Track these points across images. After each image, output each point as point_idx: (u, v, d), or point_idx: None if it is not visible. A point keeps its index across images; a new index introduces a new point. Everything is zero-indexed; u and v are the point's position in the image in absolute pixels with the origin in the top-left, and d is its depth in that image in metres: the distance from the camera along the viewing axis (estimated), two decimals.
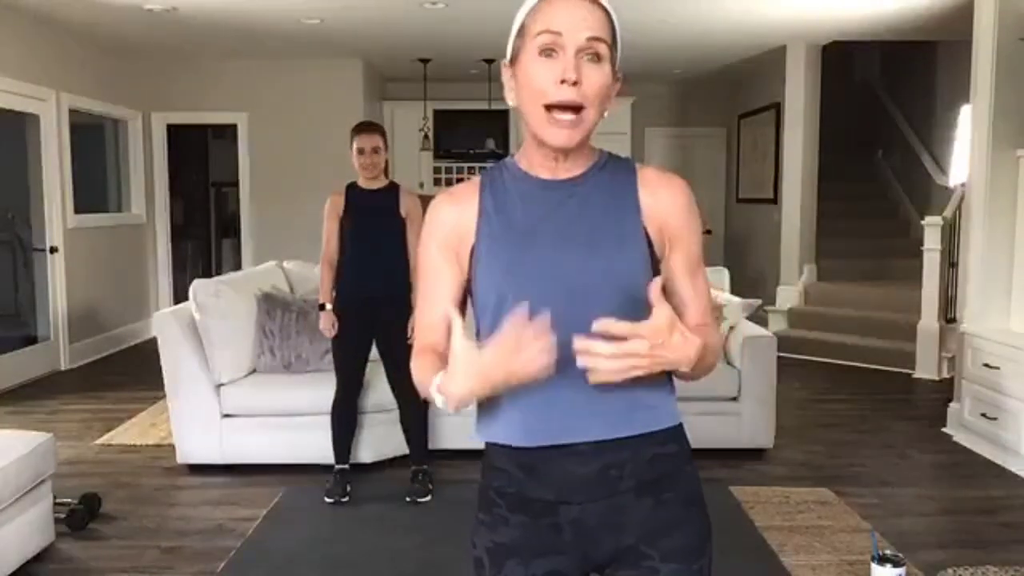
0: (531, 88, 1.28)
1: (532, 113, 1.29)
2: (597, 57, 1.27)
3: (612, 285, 1.27)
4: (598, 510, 1.33)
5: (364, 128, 3.92)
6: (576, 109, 1.26)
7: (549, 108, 1.27)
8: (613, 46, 1.30)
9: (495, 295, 1.32)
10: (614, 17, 1.30)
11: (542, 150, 1.33)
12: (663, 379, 1.34)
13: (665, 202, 1.34)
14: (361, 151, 3.83)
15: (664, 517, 1.35)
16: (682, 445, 1.39)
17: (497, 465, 1.38)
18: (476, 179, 1.42)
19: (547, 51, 1.26)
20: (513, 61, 1.33)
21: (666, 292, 1.28)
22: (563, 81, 1.24)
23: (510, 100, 1.35)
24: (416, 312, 1.43)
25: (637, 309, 1.21)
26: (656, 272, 1.33)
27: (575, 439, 1.31)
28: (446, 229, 1.37)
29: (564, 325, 1.20)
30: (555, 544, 1.35)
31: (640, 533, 1.34)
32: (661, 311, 1.18)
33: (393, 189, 3.95)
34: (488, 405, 1.34)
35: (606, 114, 1.31)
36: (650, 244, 1.33)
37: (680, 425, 1.40)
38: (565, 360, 1.20)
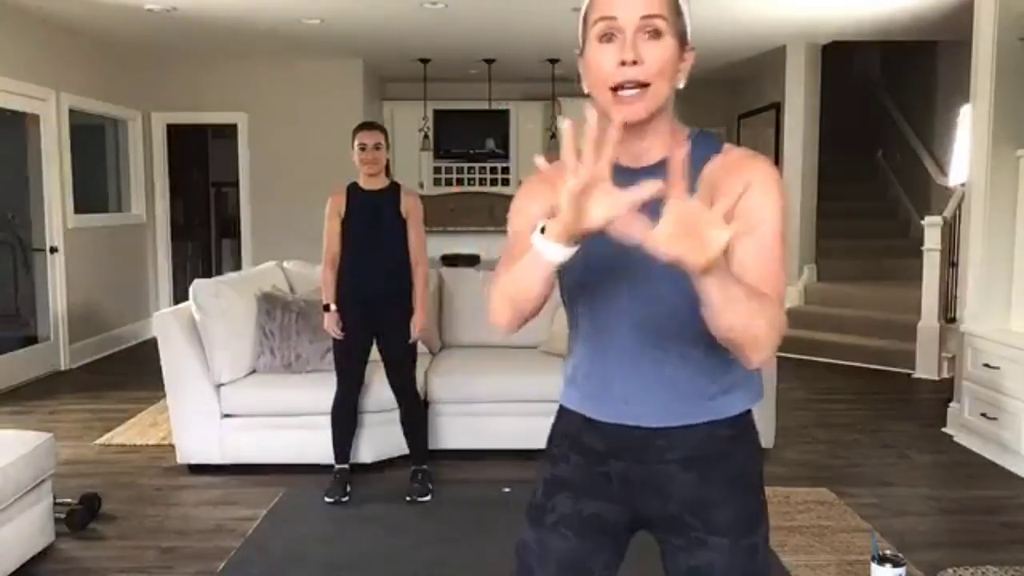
0: (597, 74, 1.30)
1: (602, 98, 1.31)
2: (657, 33, 1.28)
3: (678, 271, 1.17)
4: (642, 472, 1.39)
5: (366, 126, 3.94)
6: (642, 86, 1.28)
7: (614, 90, 1.28)
8: (676, 18, 1.31)
9: (578, 275, 1.36)
10: None
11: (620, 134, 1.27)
12: (730, 371, 1.37)
13: (744, 181, 1.22)
14: (363, 147, 3.84)
15: (708, 493, 1.38)
16: (740, 430, 1.41)
17: (566, 411, 1.48)
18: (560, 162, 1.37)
19: (606, 36, 1.29)
20: (582, 52, 1.35)
21: (732, 262, 1.24)
22: (623, 62, 1.27)
23: (585, 88, 1.35)
24: (500, 266, 1.41)
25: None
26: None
27: (630, 421, 1.38)
28: (537, 209, 1.36)
29: (642, 307, 1.32)
30: (604, 491, 1.43)
31: (683, 504, 1.39)
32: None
33: (394, 189, 3.95)
34: (567, 371, 1.47)
35: (681, 85, 1.33)
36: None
37: (745, 413, 1.42)
38: (644, 343, 1.33)
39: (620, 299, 1.35)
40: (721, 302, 1.17)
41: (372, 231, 3.88)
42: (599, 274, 1.35)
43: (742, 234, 1.14)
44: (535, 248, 1.21)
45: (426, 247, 3.98)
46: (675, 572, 1.42)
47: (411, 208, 3.91)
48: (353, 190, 3.94)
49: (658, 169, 1.26)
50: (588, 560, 1.44)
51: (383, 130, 3.95)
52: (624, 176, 1.21)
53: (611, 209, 1.12)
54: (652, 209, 1.11)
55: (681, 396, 1.36)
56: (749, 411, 1.42)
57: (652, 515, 1.42)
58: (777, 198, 1.32)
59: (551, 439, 1.51)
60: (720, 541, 1.37)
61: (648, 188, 1.09)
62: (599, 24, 1.29)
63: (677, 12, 1.32)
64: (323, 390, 4.14)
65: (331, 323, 3.90)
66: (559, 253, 1.19)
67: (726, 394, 1.38)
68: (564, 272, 1.32)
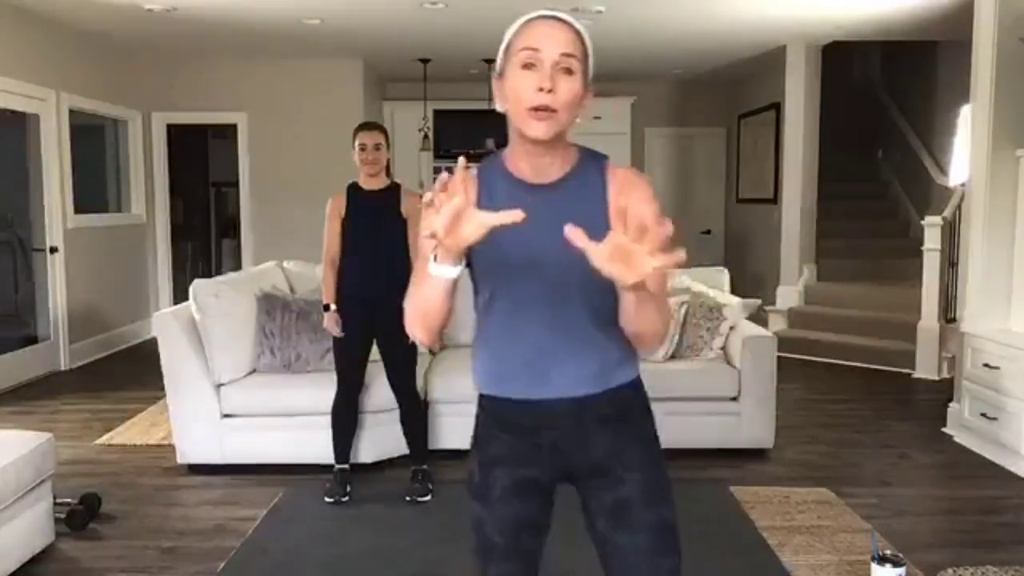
0: (516, 95, 1.54)
1: (516, 114, 1.55)
2: (569, 71, 1.53)
3: (580, 268, 1.42)
4: (568, 435, 1.67)
5: (367, 126, 3.94)
6: (552, 111, 1.52)
7: (529, 110, 1.53)
8: (584, 61, 1.55)
9: (492, 277, 1.64)
10: (585, 37, 1.56)
11: (525, 146, 1.59)
12: (624, 346, 1.64)
13: (627, 195, 1.57)
14: (363, 147, 3.85)
15: (622, 440, 1.69)
16: (638, 392, 1.73)
17: (489, 396, 1.71)
18: (472, 172, 1.59)
19: (528, 64, 1.52)
20: (501, 75, 1.59)
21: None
22: (540, 89, 1.51)
23: (499, 108, 1.60)
24: (414, 273, 1.63)
25: (605, 291, 1.47)
26: None
27: (556, 395, 1.64)
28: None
29: (551, 302, 1.60)
30: (535, 459, 1.69)
31: (604, 452, 1.68)
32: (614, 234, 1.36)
33: (394, 189, 3.95)
34: (481, 361, 1.70)
35: (578, 120, 1.58)
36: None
37: (637, 378, 1.73)
38: (556, 331, 1.61)
39: (534, 289, 1.61)
40: (636, 313, 1.47)
41: (372, 231, 3.89)
42: (528, 276, 1.60)
43: (664, 263, 1.34)
44: (432, 273, 1.48)
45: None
46: (600, 510, 1.69)
47: (412, 208, 3.91)
48: (353, 190, 3.94)
49: (555, 187, 1.60)
50: (532, 516, 1.72)
51: (384, 130, 3.95)
52: (527, 190, 1.59)
53: (478, 228, 1.39)
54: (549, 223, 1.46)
55: (593, 371, 1.64)
56: (638, 375, 1.73)
57: (579, 467, 1.70)
58: (654, 206, 1.57)
59: (479, 425, 1.75)
60: (634, 475, 1.67)
61: (508, 216, 1.38)
62: (523, 52, 1.52)
63: (586, 57, 1.56)
64: (323, 390, 4.14)
65: (331, 323, 3.90)
66: (452, 271, 1.47)
67: (621, 365, 1.68)
68: (475, 259, 1.61)
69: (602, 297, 1.54)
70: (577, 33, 1.55)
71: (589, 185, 1.61)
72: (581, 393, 1.64)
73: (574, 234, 1.35)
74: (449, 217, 1.38)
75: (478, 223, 1.40)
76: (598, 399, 1.65)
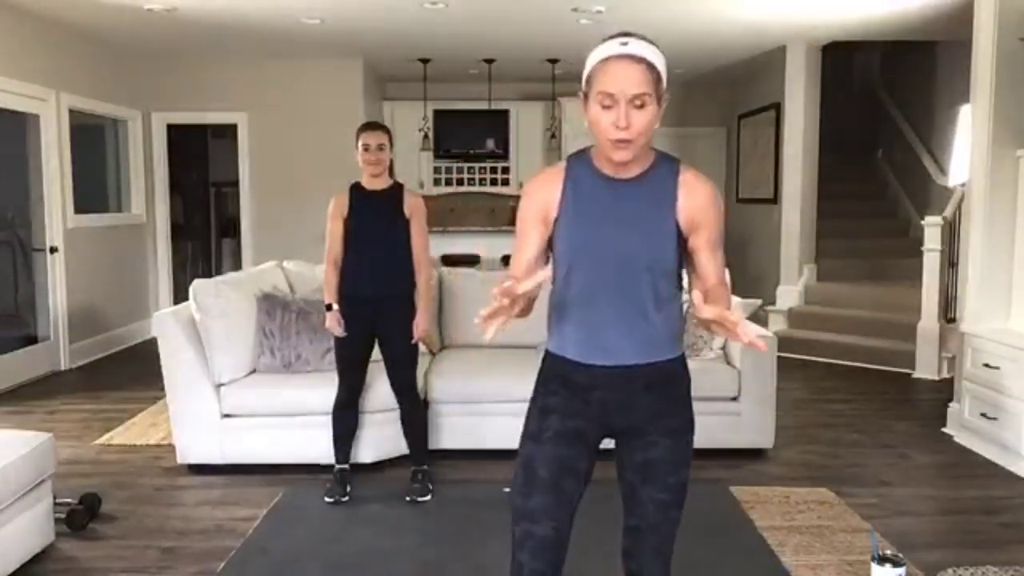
0: (598, 127, 1.82)
1: (600, 140, 1.84)
2: (642, 105, 1.78)
3: (647, 256, 1.87)
4: (616, 397, 1.95)
5: (370, 126, 3.94)
6: (628, 142, 1.80)
7: (609, 141, 1.81)
8: (657, 87, 1.80)
9: (571, 255, 1.92)
10: (658, 64, 1.80)
11: (608, 160, 1.88)
12: (675, 328, 1.98)
13: (693, 199, 1.89)
14: (367, 147, 3.84)
15: (662, 407, 1.97)
16: (680, 365, 2.01)
17: (553, 354, 2.01)
18: (562, 164, 1.96)
19: (606, 105, 1.79)
20: (585, 98, 1.85)
21: (692, 261, 1.94)
22: (616, 126, 1.78)
23: (587, 125, 1.86)
24: (513, 257, 2.00)
25: (665, 278, 1.89)
26: (682, 248, 1.92)
27: (612, 362, 1.93)
28: (540, 200, 1.95)
29: (617, 280, 1.88)
30: (584, 413, 1.97)
31: (645, 416, 1.96)
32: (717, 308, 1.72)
33: (397, 189, 3.95)
34: (553, 323, 2.00)
35: (657, 125, 1.83)
36: (678, 228, 1.89)
37: (682, 355, 2.03)
38: (618, 306, 1.89)
39: (604, 271, 1.89)
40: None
41: (375, 231, 3.88)
42: (600, 256, 1.90)
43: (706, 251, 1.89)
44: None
45: (429, 247, 3.99)
46: (630, 464, 1.99)
47: (414, 208, 3.91)
48: (356, 190, 3.94)
49: (632, 184, 1.90)
50: (574, 462, 1.97)
51: (387, 130, 3.94)
52: (608, 185, 1.90)
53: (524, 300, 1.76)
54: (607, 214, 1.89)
55: (645, 344, 1.93)
56: (683, 354, 2.04)
57: (620, 426, 1.98)
58: (718, 212, 1.91)
59: (541, 379, 2.03)
60: (666, 441, 1.96)
61: (536, 280, 1.72)
62: (601, 96, 1.78)
63: (658, 81, 1.80)
64: (323, 390, 4.14)
65: (333, 323, 3.90)
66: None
67: (670, 342, 1.97)
68: (557, 241, 1.93)
69: (662, 283, 1.88)
70: (650, 65, 1.78)
71: (662, 185, 1.89)
72: (631, 362, 1.92)
73: (696, 300, 1.72)
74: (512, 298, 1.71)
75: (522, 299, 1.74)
76: (645, 369, 1.93)
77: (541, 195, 1.95)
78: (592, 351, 1.93)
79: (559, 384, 1.98)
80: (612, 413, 1.96)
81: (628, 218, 1.87)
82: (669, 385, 1.98)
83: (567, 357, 1.97)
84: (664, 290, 1.88)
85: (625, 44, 1.78)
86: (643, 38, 1.82)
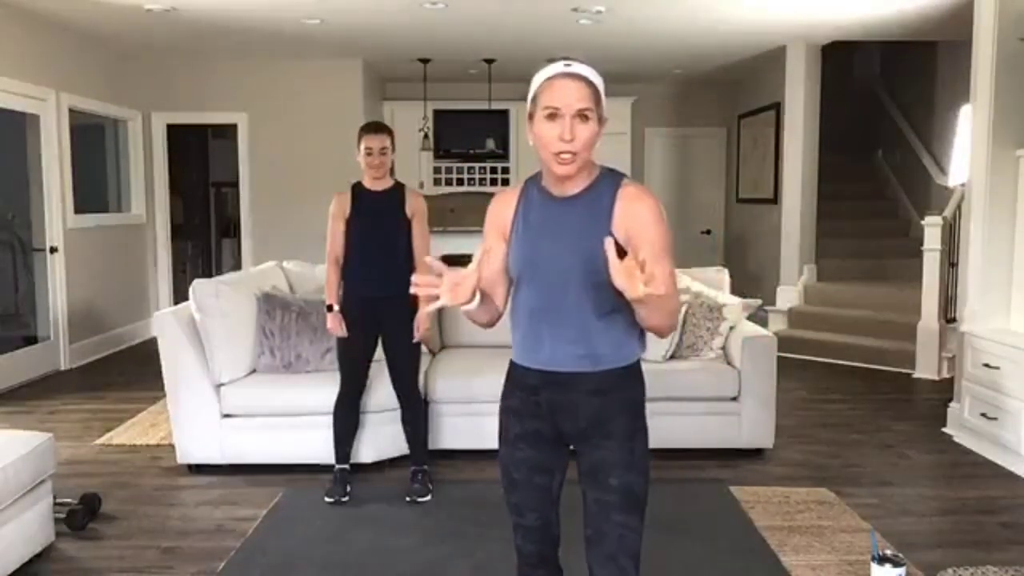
0: (543, 140, 1.93)
1: (544, 155, 1.94)
2: (585, 118, 1.90)
3: (584, 268, 1.92)
4: (560, 399, 2.02)
5: (372, 128, 3.90)
6: (572, 154, 1.90)
7: (554, 154, 1.91)
8: (598, 104, 1.92)
9: (517, 270, 2.03)
10: (597, 83, 1.93)
11: (551, 176, 1.98)
12: (622, 336, 2.00)
13: (631, 212, 1.94)
14: (369, 151, 3.83)
15: (607, 414, 2.01)
16: (629, 371, 2.04)
17: (512, 360, 2.12)
18: (520, 185, 2.10)
19: (551, 117, 1.90)
20: (531, 118, 1.96)
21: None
22: (562, 139, 1.89)
23: (531, 142, 1.96)
24: (479, 261, 1.98)
25: (602, 289, 1.85)
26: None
27: (553, 368, 2.01)
28: (497, 218, 2.09)
29: (555, 294, 1.97)
30: (537, 413, 2.06)
31: (590, 421, 2.01)
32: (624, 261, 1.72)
33: (398, 189, 3.94)
34: (512, 333, 2.09)
35: (596, 146, 1.94)
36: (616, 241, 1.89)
37: (634, 363, 2.05)
38: (557, 317, 1.97)
39: (544, 282, 1.99)
40: (646, 315, 1.86)
41: (376, 231, 3.88)
42: (540, 271, 1.99)
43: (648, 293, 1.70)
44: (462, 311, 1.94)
45: (430, 247, 3.98)
46: (581, 472, 2.05)
47: (416, 208, 3.91)
48: (358, 190, 3.93)
49: (571, 201, 1.98)
50: (541, 461, 2.07)
51: (390, 132, 3.92)
52: (551, 202, 2.00)
53: (467, 291, 1.87)
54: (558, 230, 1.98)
55: (587, 354, 1.98)
56: (635, 361, 2.06)
57: (569, 430, 2.04)
58: (658, 223, 1.94)
59: (505, 384, 2.13)
60: (609, 443, 2.00)
61: (471, 304, 1.89)
62: (547, 109, 1.90)
63: (599, 101, 1.93)
64: (323, 390, 4.14)
65: (335, 324, 3.90)
66: (469, 306, 1.90)
67: (616, 350, 2.01)
68: (509, 257, 2.04)
69: (600, 294, 1.90)
70: (591, 84, 1.91)
71: (600, 200, 1.97)
72: (572, 370, 1.99)
73: (608, 246, 1.70)
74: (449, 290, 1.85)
75: (465, 288, 1.86)
76: (588, 377, 1.99)
77: (499, 213, 2.09)
78: (536, 358, 2.03)
79: (516, 387, 2.10)
80: (558, 415, 2.03)
81: (566, 234, 1.96)
82: (614, 392, 2.01)
83: (518, 363, 2.08)
84: (606, 302, 1.92)
85: (568, 65, 1.92)
86: (583, 62, 1.95)
